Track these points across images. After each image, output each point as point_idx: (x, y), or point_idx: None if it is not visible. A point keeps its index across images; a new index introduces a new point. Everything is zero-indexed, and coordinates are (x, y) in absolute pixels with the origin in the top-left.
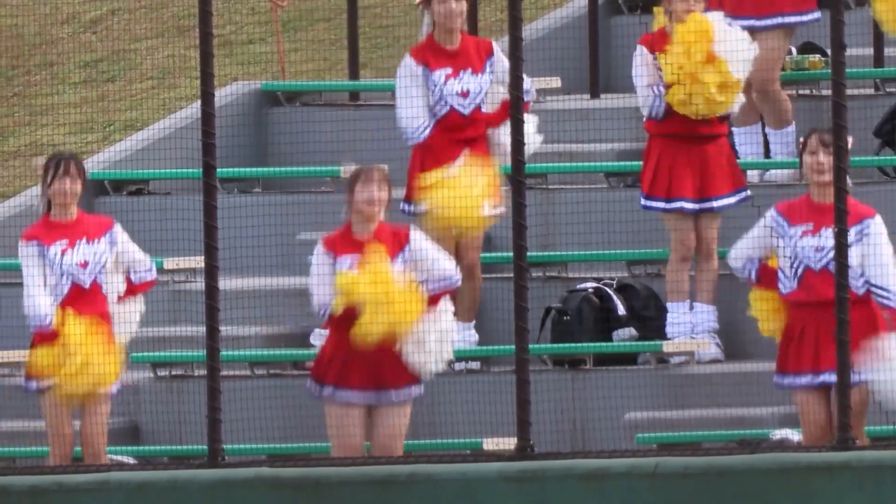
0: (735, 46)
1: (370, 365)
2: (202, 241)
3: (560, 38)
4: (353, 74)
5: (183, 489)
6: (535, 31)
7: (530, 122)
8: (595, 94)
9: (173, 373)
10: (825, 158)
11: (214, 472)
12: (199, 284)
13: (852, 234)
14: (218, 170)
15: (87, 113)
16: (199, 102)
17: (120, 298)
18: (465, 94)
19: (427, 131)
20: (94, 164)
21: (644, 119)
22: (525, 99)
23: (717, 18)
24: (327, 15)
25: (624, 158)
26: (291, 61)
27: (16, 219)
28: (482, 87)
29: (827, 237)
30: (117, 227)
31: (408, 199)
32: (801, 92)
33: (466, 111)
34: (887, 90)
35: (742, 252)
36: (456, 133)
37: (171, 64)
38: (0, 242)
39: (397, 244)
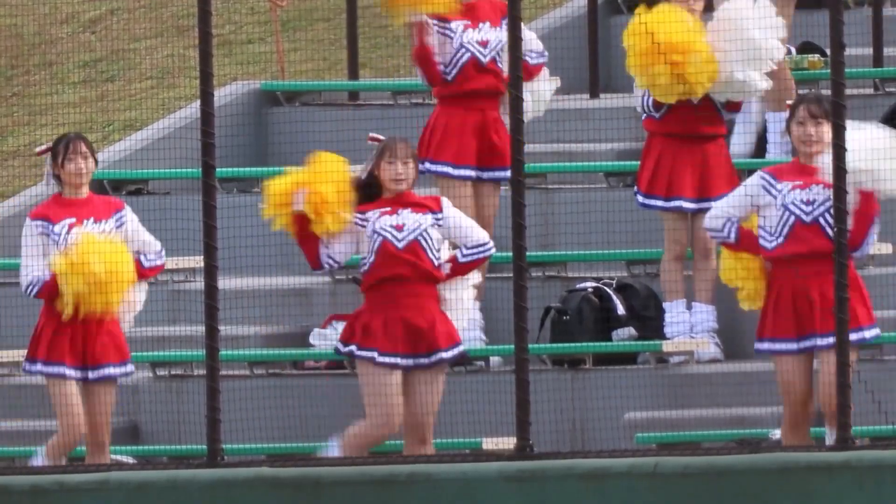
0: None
1: (412, 327)
2: (201, 240)
3: (559, 38)
4: (353, 74)
5: (182, 489)
6: (534, 31)
7: (545, 81)
8: (594, 94)
9: (173, 372)
10: (813, 129)
11: (214, 472)
12: (199, 284)
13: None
14: (217, 169)
15: (86, 113)
16: (198, 102)
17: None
18: (483, 44)
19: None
20: None
21: (642, 117)
22: (539, 61)
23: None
24: (327, 15)
25: (623, 158)
26: (291, 61)
27: (16, 219)
28: (501, 41)
29: (817, 192)
30: (127, 210)
31: (423, 157)
32: (800, 92)
33: (485, 59)
34: (886, 90)
35: (722, 211)
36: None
37: (170, 64)
38: (0, 242)
39: (428, 206)
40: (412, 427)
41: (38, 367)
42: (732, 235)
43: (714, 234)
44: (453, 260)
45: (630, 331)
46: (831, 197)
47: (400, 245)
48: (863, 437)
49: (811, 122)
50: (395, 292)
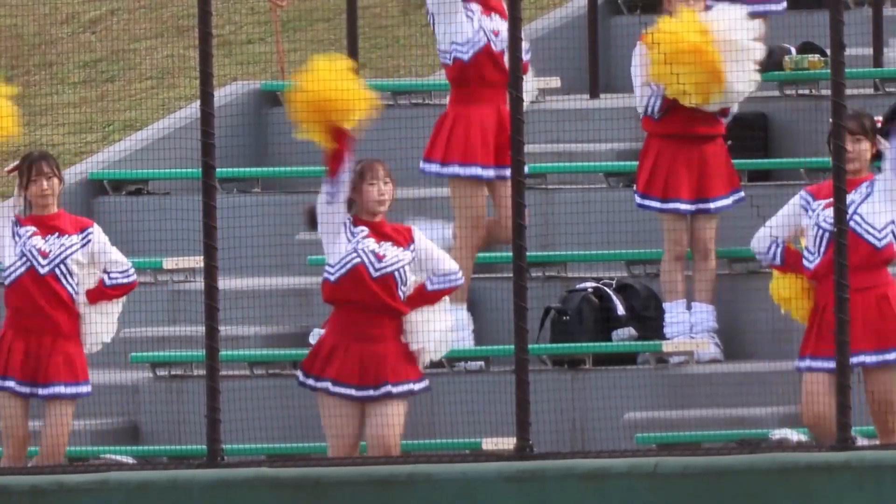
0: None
1: (367, 359)
2: (201, 240)
3: (560, 38)
4: None
5: (182, 489)
6: (534, 31)
7: (529, 81)
8: (595, 95)
9: (173, 373)
10: (850, 146)
11: (214, 472)
12: (199, 284)
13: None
14: (217, 170)
15: (86, 113)
16: (198, 102)
17: (91, 300)
18: (496, 33)
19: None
20: (94, 164)
21: (641, 117)
22: (524, 58)
23: (723, 8)
24: (326, 15)
25: (623, 158)
26: (291, 61)
27: None
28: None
29: (850, 203)
30: (95, 228)
31: (428, 158)
32: (800, 92)
33: (498, 48)
34: (887, 90)
35: (766, 233)
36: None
37: (170, 64)
38: None
39: (403, 238)
40: (375, 452)
41: None
42: (778, 258)
43: (760, 256)
44: (421, 288)
45: (630, 331)
46: (859, 195)
47: (375, 274)
48: (863, 437)
49: (850, 139)
50: (358, 320)
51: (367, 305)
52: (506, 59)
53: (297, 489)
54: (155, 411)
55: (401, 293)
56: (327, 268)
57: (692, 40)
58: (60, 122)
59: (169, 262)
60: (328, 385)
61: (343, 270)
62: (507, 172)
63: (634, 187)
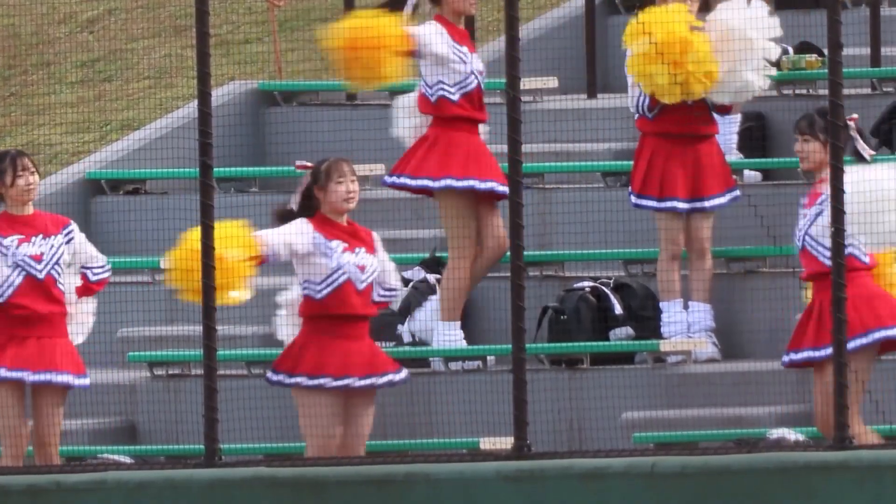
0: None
1: (342, 352)
2: (199, 240)
3: (557, 38)
4: None
5: (180, 489)
6: (531, 31)
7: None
8: (592, 94)
9: (170, 372)
10: (800, 146)
11: (212, 472)
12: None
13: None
14: (215, 169)
15: (83, 112)
16: (195, 102)
17: (79, 295)
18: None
19: None
20: (91, 164)
21: (635, 117)
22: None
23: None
24: (324, 15)
25: (621, 158)
26: (288, 61)
27: None
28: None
29: (808, 217)
30: (74, 226)
31: (398, 172)
32: (797, 91)
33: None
34: (884, 90)
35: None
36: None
37: (167, 63)
38: None
39: (369, 243)
40: (344, 450)
41: None
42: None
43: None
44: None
45: (627, 330)
46: (810, 215)
47: (360, 287)
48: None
49: (799, 138)
50: (337, 327)
51: (349, 316)
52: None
53: (295, 489)
54: (152, 411)
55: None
56: (309, 286)
57: (678, 34)
58: (58, 121)
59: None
60: (303, 380)
61: (330, 289)
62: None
63: (629, 188)
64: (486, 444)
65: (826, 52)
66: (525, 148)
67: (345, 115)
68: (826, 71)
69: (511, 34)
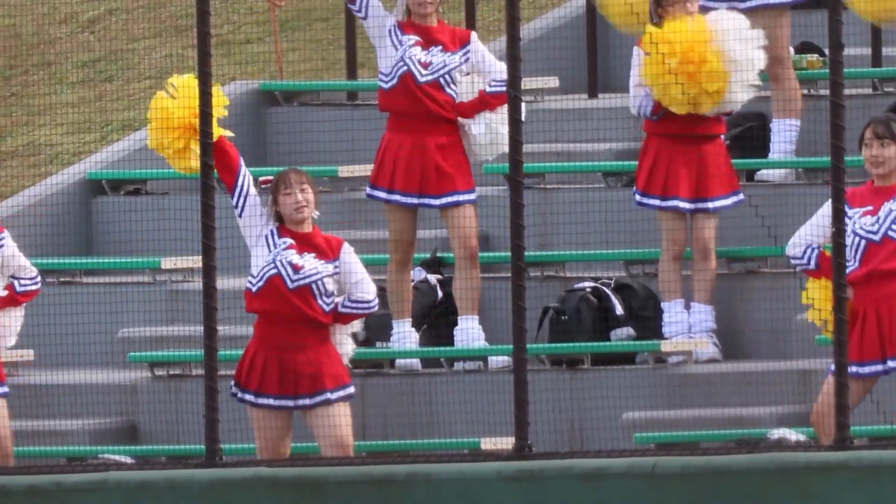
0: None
1: (289, 368)
2: (200, 240)
3: (558, 38)
4: (351, 74)
5: (181, 489)
6: (532, 31)
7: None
8: (593, 94)
9: (171, 372)
10: (878, 150)
11: (212, 472)
12: (197, 284)
13: None
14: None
15: (84, 113)
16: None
17: (2, 306)
18: (425, 65)
19: None
20: (92, 164)
21: (638, 118)
22: (497, 89)
23: (723, 15)
24: (325, 15)
25: (622, 158)
26: (289, 61)
27: (14, 219)
28: (447, 65)
29: (887, 212)
30: (6, 234)
31: (374, 184)
32: (803, 98)
33: (421, 80)
34: (885, 90)
35: (803, 239)
36: (418, 108)
37: (168, 64)
38: None
39: (330, 251)
40: (331, 452)
41: None
42: (813, 262)
43: (795, 261)
44: (335, 307)
45: (628, 331)
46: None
47: (291, 286)
48: (861, 436)
49: (876, 143)
50: (279, 332)
51: (287, 317)
52: (447, 90)
53: (296, 489)
54: (153, 411)
55: (322, 304)
56: (249, 278)
57: (696, 49)
58: (59, 121)
59: (167, 262)
60: (251, 397)
61: (261, 282)
62: (427, 202)
63: (634, 186)
64: (487, 444)
65: (827, 52)
66: (526, 148)
67: (346, 115)
68: (827, 71)
69: (512, 34)
